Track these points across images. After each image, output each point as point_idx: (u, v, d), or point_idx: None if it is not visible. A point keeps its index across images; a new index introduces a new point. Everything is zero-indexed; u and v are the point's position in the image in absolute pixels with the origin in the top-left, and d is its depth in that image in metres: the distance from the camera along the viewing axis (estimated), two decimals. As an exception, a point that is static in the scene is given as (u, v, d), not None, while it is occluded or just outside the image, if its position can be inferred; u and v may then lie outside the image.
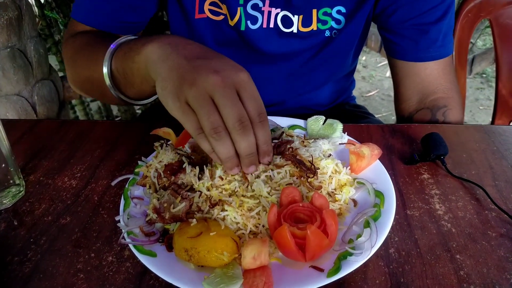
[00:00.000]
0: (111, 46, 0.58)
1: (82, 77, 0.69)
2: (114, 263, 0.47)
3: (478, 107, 2.80)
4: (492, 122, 1.17)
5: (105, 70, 0.58)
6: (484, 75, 3.10)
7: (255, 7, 0.73)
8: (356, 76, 3.14)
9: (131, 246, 0.46)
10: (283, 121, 0.67)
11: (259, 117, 0.46)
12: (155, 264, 0.43)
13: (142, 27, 0.77)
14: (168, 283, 0.43)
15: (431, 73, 0.77)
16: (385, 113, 2.66)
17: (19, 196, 0.59)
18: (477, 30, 3.06)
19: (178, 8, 0.76)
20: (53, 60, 1.38)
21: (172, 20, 0.79)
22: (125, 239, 0.47)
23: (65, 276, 0.46)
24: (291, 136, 0.59)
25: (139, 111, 2.31)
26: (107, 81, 0.59)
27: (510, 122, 1.16)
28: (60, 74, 1.56)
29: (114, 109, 2.43)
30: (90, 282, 0.45)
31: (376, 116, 2.82)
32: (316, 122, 0.64)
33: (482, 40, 3.35)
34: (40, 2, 1.97)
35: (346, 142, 0.58)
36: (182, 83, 0.44)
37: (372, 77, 3.13)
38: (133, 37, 0.60)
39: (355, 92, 1.08)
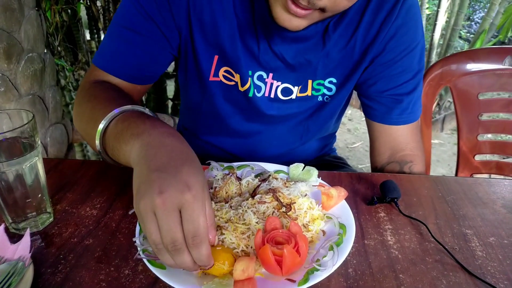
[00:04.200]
0: (115, 110, 0.64)
1: (81, 127, 0.75)
2: (130, 275, 0.59)
3: (455, 161, 2.99)
4: (456, 175, 1.32)
5: (100, 126, 0.63)
6: (461, 132, 3.30)
7: (260, 78, 0.86)
8: (342, 128, 3.34)
9: (145, 260, 0.58)
10: (271, 167, 0.81)
11: (192, 240, 0.49)
12: (165, 275, 0.55)
13: (157, 79, 0.89)
14: (174, 291, 0.55)
15: (401, 134, 0.92)
16: (368, 164, 2.82)
17: (49, 222, 0.71)
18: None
19: (195, 69, 0.87)
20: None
21: (189, 77, 0.90)
22: (140, 255, 0.59)
23: (90, 284, 0.57)
24: (276, 179, 0.73)
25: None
26: (97, 144, 0.64)
27: (471, 175, 1.32)
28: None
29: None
30: (111, 289, 0.57)
31: (360, 166, 2.97)
32: (297, 168, 0.78)
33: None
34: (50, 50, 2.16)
35: (318, 184, 0.72)
36: (137, 193, 0.50)
37: (357, 130, 3.33)
38: (136, 109, 0.65)
39: (341, 143, 1.24)
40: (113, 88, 0.80)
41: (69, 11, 2.26)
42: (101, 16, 2.39)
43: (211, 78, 0.87)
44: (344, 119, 3.51)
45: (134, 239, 0.63)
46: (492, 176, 1.34)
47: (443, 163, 2.96)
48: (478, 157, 1.28)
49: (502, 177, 1.27)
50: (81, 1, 2.29)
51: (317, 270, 0.55)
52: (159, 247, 0.50)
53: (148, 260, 0.58)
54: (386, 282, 0.57)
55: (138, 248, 0.60)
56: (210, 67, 0.86)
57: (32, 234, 0.68)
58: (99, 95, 0.75)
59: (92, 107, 0.71)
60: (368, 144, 1.04)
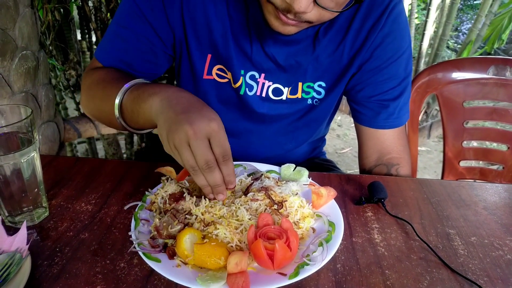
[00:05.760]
0: (125, 85, 0.74)
1: (96, 106, 0.84)
2: (126, 268, 0.60)
3: (441, 168, 3.05)
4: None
5: (117, 101, 0.74)
6: (447, 140, 3.37)
7: (252, 77, 0.89)
8: (332, 134, 3.38)
9: (140, 253, 0.60)
10: (263, 167, 0.83)
11: (223, 158, 0.61)
12: (160, 267, 0.57)
13: (156, 77, 0.93)
14: (168, 283, 0.57)
15: (388, 138, 0.96)
16: (357, 169, 2.86)
17: (44, 216, 0.72)
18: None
19: (189, 68, 0.90)
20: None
21: (182, 76, 0.93)
22: (136, 248, 0.61)
23: (87, 276, 0.59)
24: (268, 178, 0.75)
25: (125, 155, 2.45)
26: (116, 113, 0.75)
27: (456, 180, 1.36)
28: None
29: (100, 152, 2.56)
30: (107, 281, 0.58)
31: (348, 171, 3.03)
32: (288, 168, 0.81)
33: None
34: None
35: (308, 183, 0.74)
36: (170, 132, 0.61)
37: (346, 136, 3.38)
38: (144, 81, 0.76)
39: (330, 149, 1.26)
40: (116, 70, 0.86)
41: (61, 10, 2.26)
42: (93, 16, 2.40)
43: (205, 77, 0.90)
44: (333, 124, 3.55)
45: (130, 233, 0.64)
46: (476, 181, 1.38)
47: (429, 169, 3.02)
48: (462, 163, 1.32)
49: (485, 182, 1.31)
50: (74, 1, 2.30)
51: (307, 264, 0.57)
52: (195, 169, 0.61)
53: (143, 253, 0.59)
54: (373, 278, 0.59)
55: (134, 242, 0.62)
56: (203, 66, 0.89)
57: (27, 228, 0.69)
58: (106, 77, 0.83)
59: (103, 87, 0.80)
60: (357, 150, 1.07)
